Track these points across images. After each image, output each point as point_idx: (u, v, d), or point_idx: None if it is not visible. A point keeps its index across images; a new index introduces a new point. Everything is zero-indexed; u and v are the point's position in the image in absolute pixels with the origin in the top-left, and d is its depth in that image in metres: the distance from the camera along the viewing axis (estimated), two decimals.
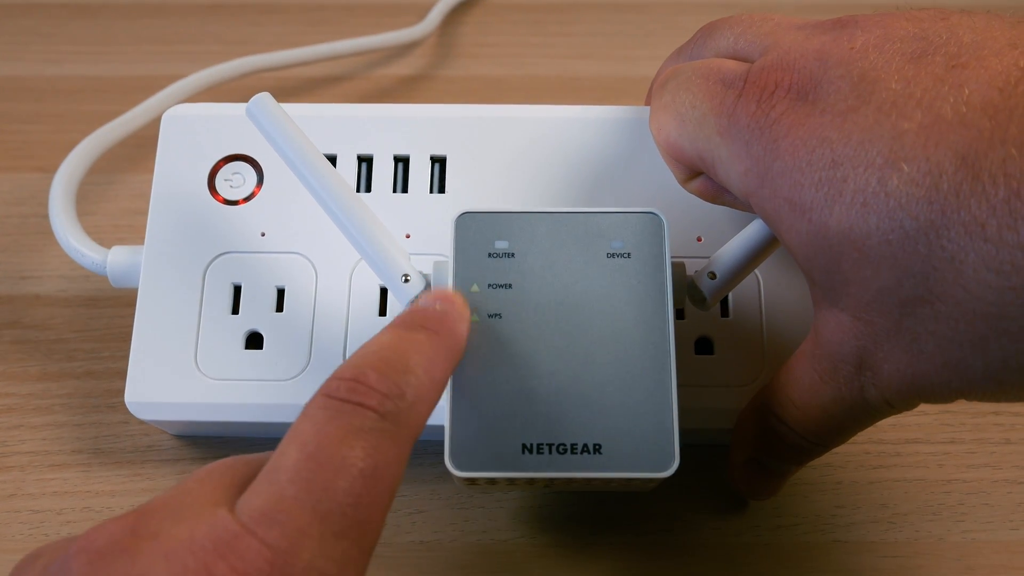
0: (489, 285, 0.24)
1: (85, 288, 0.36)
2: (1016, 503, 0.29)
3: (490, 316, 0.24)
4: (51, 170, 0.45)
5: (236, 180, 0.30)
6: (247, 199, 0.30)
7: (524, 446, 0.23)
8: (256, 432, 0.29)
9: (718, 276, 0.25)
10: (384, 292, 0.29)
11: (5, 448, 0.31)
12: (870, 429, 0.31)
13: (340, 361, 0.28)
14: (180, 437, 0.31)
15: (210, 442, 0.31)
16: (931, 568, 0.27)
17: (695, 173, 0.26)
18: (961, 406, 0.32)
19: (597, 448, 0.23)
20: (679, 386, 0.24)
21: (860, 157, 0.20)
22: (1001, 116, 0.19)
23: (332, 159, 0.31)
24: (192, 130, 0.31)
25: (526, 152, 0.30)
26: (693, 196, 0.27)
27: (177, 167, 0.31)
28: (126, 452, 0.30)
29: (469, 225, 0.25)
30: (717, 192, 0.26)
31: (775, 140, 0.22)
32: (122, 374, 0.33)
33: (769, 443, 0.25)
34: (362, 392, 0.20)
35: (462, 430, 0.23)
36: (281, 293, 0.29)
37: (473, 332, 0.23)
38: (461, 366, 0.23)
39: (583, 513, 0.28)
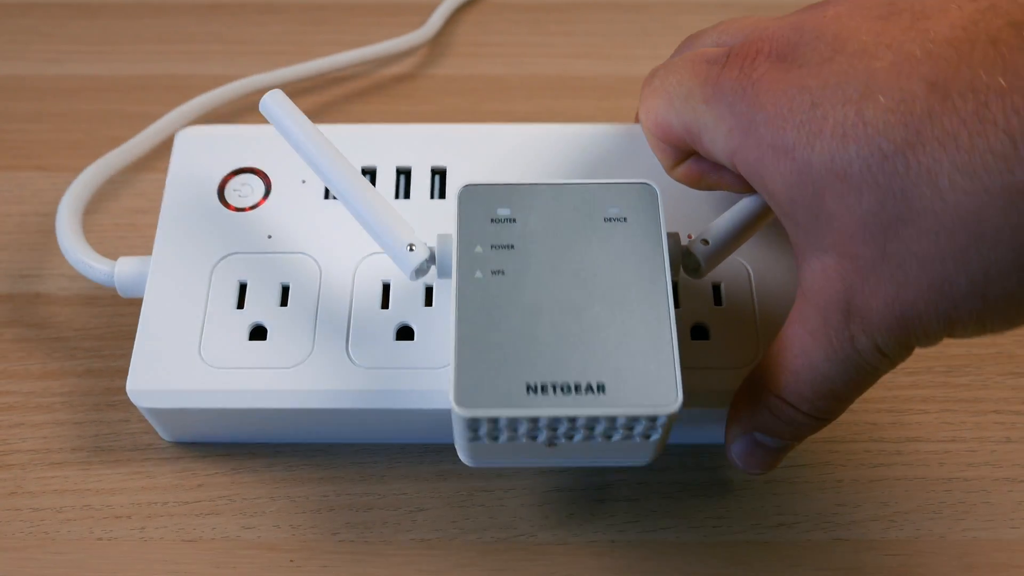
0: (492, 246, 0.25)
1: (86, 287, 0.36)
2: (1017, 502, 0.29)
3: (493, 273, 0.25)
4: (51, 169, 0.45)
5: (244, 190, 0.32)
6: (254, 207, 0.31)
7: (528, 386, 0.23)
8: (256, 424, 0.29)
9: (711, 242, 0.26)
10: (387, 288, 0.30)
11: (5, 446, 0.31)
12: (870, 428, 0.31)
13: (343, 350, 0.28)
14: (178, 444, 0.31)
15: (209, 443, 0.31)
16: (932, 566, 0.27)
17: (682, 156, 0.27)
18: (961, 404, 0.32)
19: (601, 387, 0.23)
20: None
21: (837, 96, 0.22)
22: (964, 47, 0.20)
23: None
24: (203, 149, 0.33)
25: (524, 165, 0.32)
26: (682, 207, 0.28)
27: (188, 182, 0.32)
28: (126, 450, 0.30)
29: (471, 196, 0.26)
30: (703, 173, 0.27)
31: (757, 96, 0.23)
32: (123, 372, 0.33)
33: (764, 418, 0.26)
34: None
35: (467, 372, 0.23)
36: (286, 290, 0.30)
37: (476, 288, 0.24)
38: (465, 314, 0.24)
39: (583, 511, 0.28)
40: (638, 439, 0.24)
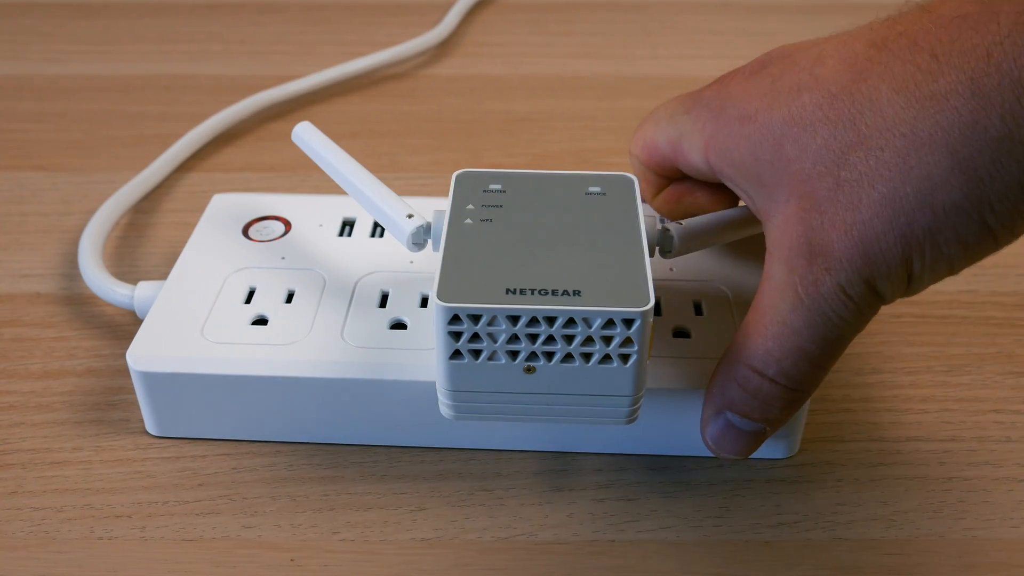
0: (482, 206, 0.28)
1: (86, 286, 0.36)
2: (1017, 501, 0.29)
3: (481, 221, 0.27)
4: (51, 169, 0.45)
5: (266, 231, 0.35)
6: (273, 240, 0.34)
7: (508, 289, 0.24)
8: (248, 402, 0.30)
9: (684, 224, 0.29)
10: (385, 296, 0.32)
11: (6, 446, 0.31)
12: (870, 428, 0.31)
13: (338, 333, 0.30)
14: (178, 443, 0.31)
15: (210, 442, 0.31)
16: (932, 566, 0.27)
17: (663, 184, 0.31)
18: (961, 404, 0.32)
19: (577, 292, 0.24)
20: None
21: (793, 68, 0.25)
22: (892, 31, 0.24)
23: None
24: (233, 206, 0.36)
25: None
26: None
27: (216, 225, 0.35)
28: (127, 450, 0.30)
29: (467, 178, 0.29)
30: (680, 195, 0.30)
31: (729, 94, 0.27)
32: (123, 372, 0.33)
33: (734, 394, 0.26)
34: None
35: (450, 275, 0.25)
36: (291, 294, 0.32)
37: (465, 229, 0.27)
38: (452, 242, 0.26)
39: (583, 511, 0.29)
40: (616, 362, 0.25)
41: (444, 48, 0.57)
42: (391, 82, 0.53)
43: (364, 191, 0.30)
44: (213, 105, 0.49)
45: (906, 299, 0.37)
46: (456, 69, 0.55)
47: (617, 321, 0.24)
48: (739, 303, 0.31)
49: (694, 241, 0.29)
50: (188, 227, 0.37)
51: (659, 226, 0.29)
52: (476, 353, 0.25)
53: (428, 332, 0.30)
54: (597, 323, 0.24)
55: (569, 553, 0.27)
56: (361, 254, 0.33)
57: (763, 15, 0.62)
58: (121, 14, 0.59)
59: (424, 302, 0.31)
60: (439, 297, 0.24)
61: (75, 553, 0.27)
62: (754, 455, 0.29)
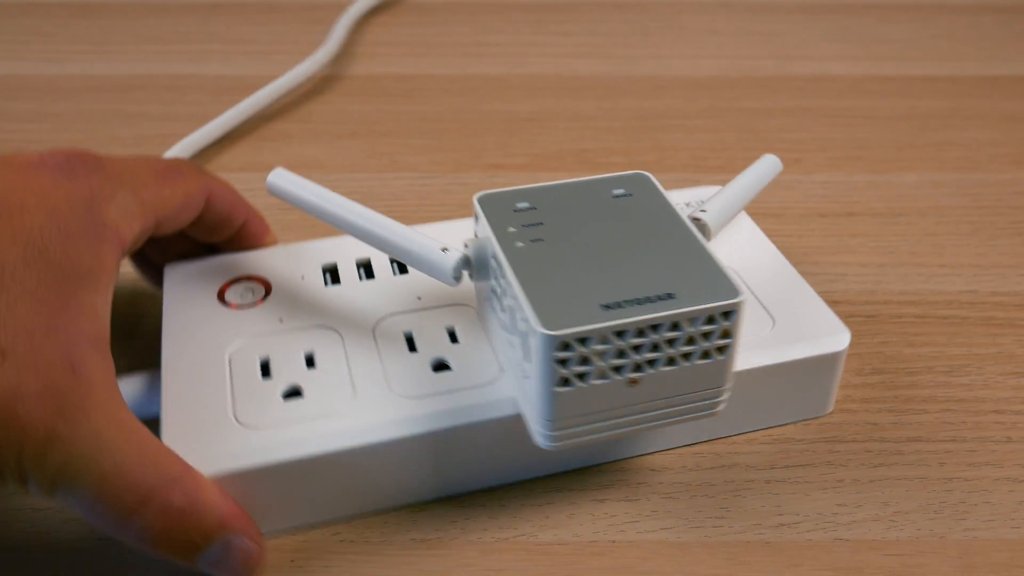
0: (523, 226, 0.27)
1: None
2: (1018, 501, 0.29)
3: (532, 241, 0.26)
4: None
5: (245, 293, 0.31)
6: (256, 304, 0.31)
7: (603, 304, 0.24)
8: (312, 484, 0.27)
9: (708, 209, 0.30)
10: (410, 338, 0.30)
11: None
12: (870, 428, 0.31)
13: (387, 388, 0.28)
14: None
15: None
16: (933, 566, 0.27)
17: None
18: (962, 404, 0.32)
19: (670, 295, 0.24)
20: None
21: None
22: None
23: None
24: (194, 276, 0.32)
25: None
26: None
27: (185, 302, 0.31)
28: None
29: (491, 200, 0.28)
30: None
31: None
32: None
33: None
34: None
35: (541, 306, 0.24)
36: (310, 357, 0.29)
37: (522, 253, 0.26)
38: (520, 270, 0.25)
39: (583, 511, 0.28)
40: (713, 357, 0.25)
41: (444, 48, 0.57)
42: (391, 82, 0.53)
43: (383, 233, 0.28)
44: (213, 105, 0.49)
45: (906, 299, 0.37)
46: (456, 69, 0.55)
47: (717, 315, 0.24)
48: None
49: (721, 221, 0.30)
50: None
51: (691, 215, 0.30)
52: (581, 376, 0.24)
53: (475, 366, 0.29)
54: (699, 321, 0.24)
55: (569, 554, 0.27)
56: (361, 300, 0.31)
57: (763, 15, 0.62)
58: (121, 14, 0.59)
59: (453, 337, 0.30)
60: (545, 327, 0.23)
61: (76, 554, 0.27)
62: (796, 414, 0.31)
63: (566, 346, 0.23)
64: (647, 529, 0.28)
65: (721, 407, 0.26)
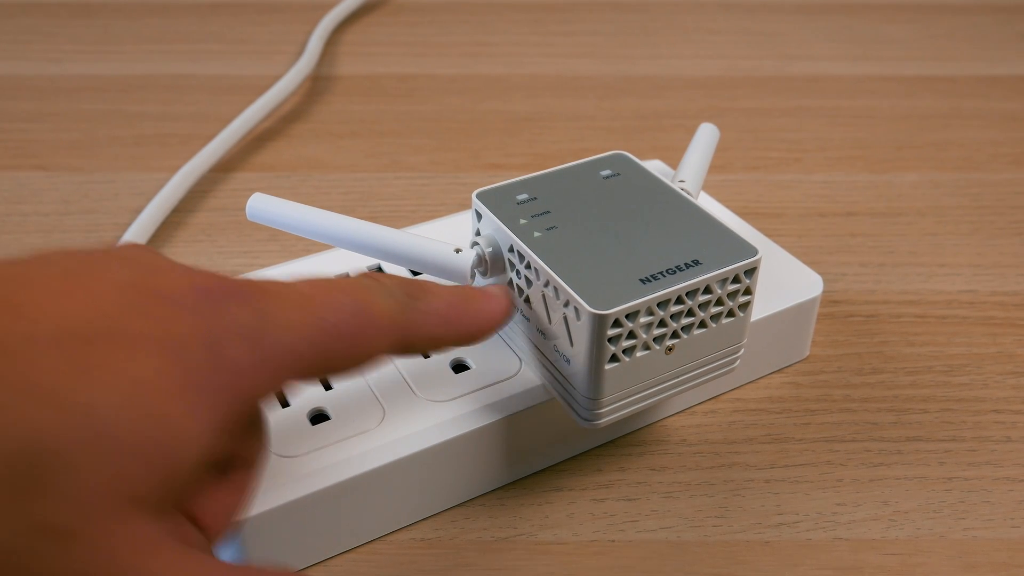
0: (532, 216, 0.28)
1: None
2: (1017, 501, 0.29)
3: (548, 229, 0.27)
4: (51, 169, 0.45)
5: None
6: None
7: (641, 279, 0.25)
8: (380, 488, 0.27)
9: (685, 177, 0.31)
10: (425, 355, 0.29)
11: None
12: (870, 428, 0.31)
13: (413, 396, 0.28)
14: None
15: None
16: (932, 566, 0.27)
17: None
18: (961, 404, 0.32)
19: (696, 262, 0.26)
20: None
21: None
22: None
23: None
24: None
25: None
26: None
27: None
28: None
29: (490, 195, 0.29)
30: None
31: None
32: None
33: None
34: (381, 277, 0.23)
35: (583, 289, 0.25)
36: (327, 383, 0.29)
37: (542, 242, 0.27)
38: (548, 258, 0.26)
39: (583, 511, 0.28)
40: (735, 315, 0.27)
41: (444, 48, 0.57)
42: (391, 82, 0.53)
43: (388, 246, 0.28)
44: (213, 105, 0.49)
45: (906, 299, 0.37)
46: (456, 69, 0.55)
47: (741, 275, 0.26)
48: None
49: (696, 191, 0.31)
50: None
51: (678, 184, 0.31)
52: (626, 351, 0.25)
53: (496, 360, 0.29)
54: (728, 282, 0.26)
55: (569, 553, 0.27)
56: None
57: (763, 15, 0.62)
58: (121, 14, 0.59)
59: None
60: (595, 308, 0.24)
61: None
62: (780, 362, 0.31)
63: (616, 323, 0.24)
64: (647, 529, 0.28)
65: (738, 363, 0.28)
